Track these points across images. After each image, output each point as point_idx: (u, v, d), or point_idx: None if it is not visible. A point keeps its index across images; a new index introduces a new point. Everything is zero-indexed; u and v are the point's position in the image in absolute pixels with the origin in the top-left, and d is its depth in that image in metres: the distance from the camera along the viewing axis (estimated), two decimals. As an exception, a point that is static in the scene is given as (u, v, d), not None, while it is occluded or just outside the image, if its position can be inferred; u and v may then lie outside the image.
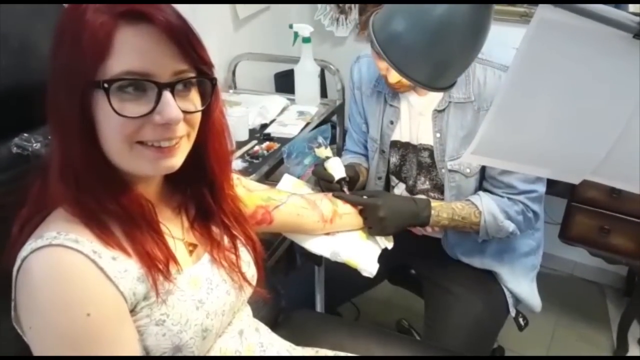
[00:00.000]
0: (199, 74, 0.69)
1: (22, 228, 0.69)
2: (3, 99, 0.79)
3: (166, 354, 0.69)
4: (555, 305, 2.18)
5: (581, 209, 1.81)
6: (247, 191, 0.98)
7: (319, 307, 1.36)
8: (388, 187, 1.46)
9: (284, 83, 2.21)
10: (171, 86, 0.65)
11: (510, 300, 1.39)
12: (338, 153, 2.11)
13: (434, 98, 1.25)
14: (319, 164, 1.25)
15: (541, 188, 1.25)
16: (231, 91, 2.10)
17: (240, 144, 1.66)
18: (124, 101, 0.64)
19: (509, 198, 1.24)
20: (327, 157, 1.23)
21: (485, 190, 1.27)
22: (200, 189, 0.81)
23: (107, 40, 0.62)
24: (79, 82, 0.63)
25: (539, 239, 1.44)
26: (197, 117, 0.71)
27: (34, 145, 0.79)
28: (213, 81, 0.71)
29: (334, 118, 2.07)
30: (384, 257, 1.15)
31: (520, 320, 1.40)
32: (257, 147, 1.64)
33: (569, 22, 0.68)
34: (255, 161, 1.57)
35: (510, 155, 0.87)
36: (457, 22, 0.76)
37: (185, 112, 0.68)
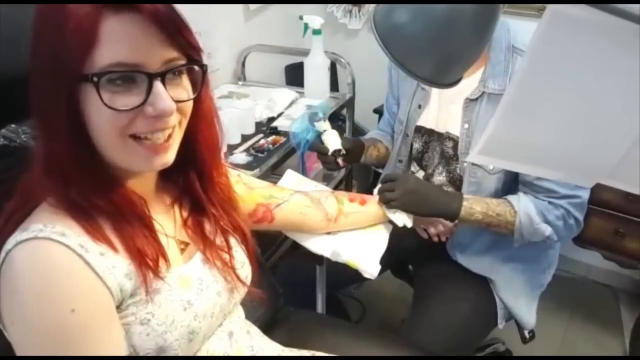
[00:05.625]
0: (189, 60, 0.67)
1: (7, 220, 0.66)
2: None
3: (149, 355, 0.67)
4: (566, 308, 2.12)
5: (596, 211, 1.76)
6: (248, 189, 0.95)
7: (320, 307, 1.33)
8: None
9: (295, 75, 2.17)
10: (162, 75, 0.63)
11: (500, 312, 1.33)
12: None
13: (468, 86, 1.19)
14: (317, 138, 1.26)
15: (585, 194, 1.17)
16: (240, 83, 2.07)
17: (246, 137, 1.64)
18: (114, 93, 0.61)
19: (550, 202, 1.17)
20: (324, 130, 1.24)
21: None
22: (190, 178, 0.79)
23: (93, 30, 0.59)
24: (65, 75, 0.61)
25: (552, 259, 1.37)
26: (189, 105, 0.69)
27: (22, 137, 0.77)
28: (204, 67, 0.68)
29: (344, 112, 2.04)
30: (387, 249, 1.11)
31: (525, 332, 1.35)
32: (262, 141, 1.61)
33: (585, 16, 0.64)
34: (260, 155, 1.54)
35: (519, 156, 0.82)
36: (463, 14, 0.72)
37: (177, 101, 0.65)
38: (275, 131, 1.68)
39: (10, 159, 0.75)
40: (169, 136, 0.67)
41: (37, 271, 0.61)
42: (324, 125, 1.25)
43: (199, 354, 0.76)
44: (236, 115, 1.61)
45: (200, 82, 0.69)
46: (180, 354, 0.70)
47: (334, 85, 2.19)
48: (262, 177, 1.45)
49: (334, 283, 1.40)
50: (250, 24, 2.14)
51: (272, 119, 1.76)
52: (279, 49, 2.10)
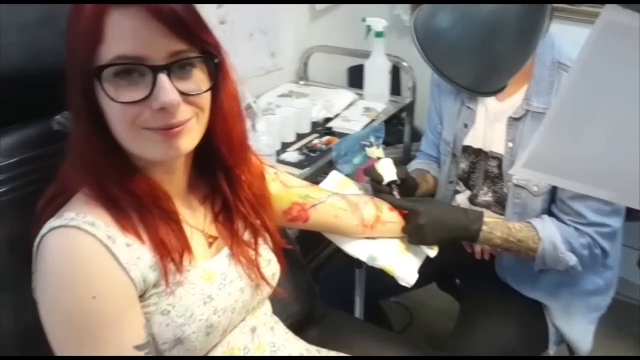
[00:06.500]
0: (203, 53, 0.67)
1: (47, 204, 0.70)
2: (50, 77, 0.81)
3: (167, 344, 0.69)
4: (628, 338, 1.98)
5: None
6: (284, 187, 0.95)
7: (357, 311, 1.32)
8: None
9: (358, 77, 2.16)
10: (167, 68, 0.63)
11: (552, 337, 1.26)
12: (405, 152, 2.05)
13: (512, 104, 1.16)
14: (370, 164, 1.20)
15: (615, 223, 1.11)
16: (302, 82, 2.09)
17: (301, 136, 1.65)
18: (119, 87, 0.63)
19: (576, 228, 1.11)
20: (379, 158, 1.17)
21: (553, 214, 1.16)
22: (217, 176, 0.79)
23: (98, 25, 0.61)
24: (80, 69, 0.64)
25: (610, 279, 1.28)
26: (204, 98, 0.68)
27: (74, 123, 0.81)
28: (215, 60, 0.68)
29: (404, 116, 2.01)
30: (432, 259, 1.08)
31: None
32: (316, 141, 1.62)
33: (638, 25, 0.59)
34: (312, 154, 1.55)
35: (565, 171, 0.78)
36: (508, 19, 0.68)
37: (185, 94, 0.65)
38: (330, 132, 1.68)
39: (61, 144, 0.78)
40: (181, 125, 0.66)
41: (64, 258, 0.64)
42: (378, 152, 1.17)
43: (218, 346, 0.77)
44: (292, 114, 1.63)
45: (213, 75, 0.69)
46: (198, 347, 0.71)
47: (396, 89, 2.16)
48: (312, 176, 1.45)
49: (377, 290, 1.38)
50: (316, 24, 2.15)
51: (328, 120, 1.76)
52: (342, 50, 2.10)
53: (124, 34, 0.62)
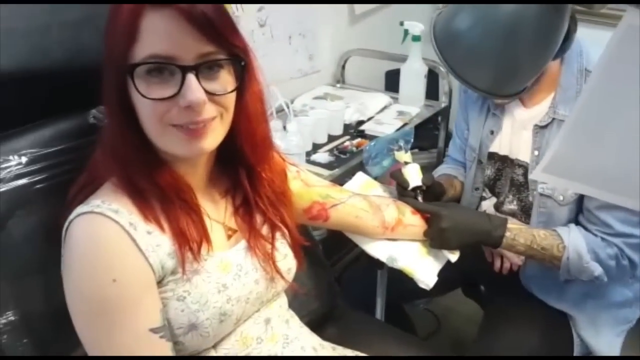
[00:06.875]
0: (231, 55, 0.70)
1: (78, 192, 0.75)
2: (88, 73, 0.86)
3: (182, 329, 0.72)
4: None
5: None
6: (305, 185, 0.97)
7: (379, 313, 1.32)
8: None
9: (395, 81, 2.17)
10: (195, 69, 0.66)
11: (577, 349, 1.23)
12: (439, 157, 2.04)
13: (539, 112, 1.15)
14: (398, 168, 1.21)
15: None
16: (338, 85, 2.11)
17: (333, 138, 1.68)
18: (150, 84, 0.67)
19: (603, 238, 1.09)
20: (406, 163, 1.17)
21: (580, 224, 1.14)
22: (239, 172, 0.82)
23: (134, 25, 0.65)
24: (115, 66, 0.68)
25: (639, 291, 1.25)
26: (229, 98, 0.72)
27: (109, 117, 0.85)
28: (242, 63, 0.71)
29: (439, 120, 2.00)
30: (457, 265, 1.08)
31: None
32: (347, 143, 1.64)
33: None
34: (342, 156, 1.57)
35: (585, 177, 0.77)
36: (527, 20, 0.67)
37: (211, 93, 0.68)
38: (362, 134, 1.70)
39: (95, 137, 0.83)
40: (205, 125, 0.69)
41: (87, 242, 0.68)
42: (405, 157, 1.17)
43: (232, 335, 0.80)
44: (324, 116, 1.65)
45: (239, 77, 0.72)
46: (211, 333, 0.74)
47: (434, 93, 2.16)
48: (340, 177, 1.47)
49: (400, 293, 1.38)
50: (354, 28, 2.17)
51: (361, 122, 1.78)
52: (379, 54, 2.12)
53: (158, 35, 0.66)
